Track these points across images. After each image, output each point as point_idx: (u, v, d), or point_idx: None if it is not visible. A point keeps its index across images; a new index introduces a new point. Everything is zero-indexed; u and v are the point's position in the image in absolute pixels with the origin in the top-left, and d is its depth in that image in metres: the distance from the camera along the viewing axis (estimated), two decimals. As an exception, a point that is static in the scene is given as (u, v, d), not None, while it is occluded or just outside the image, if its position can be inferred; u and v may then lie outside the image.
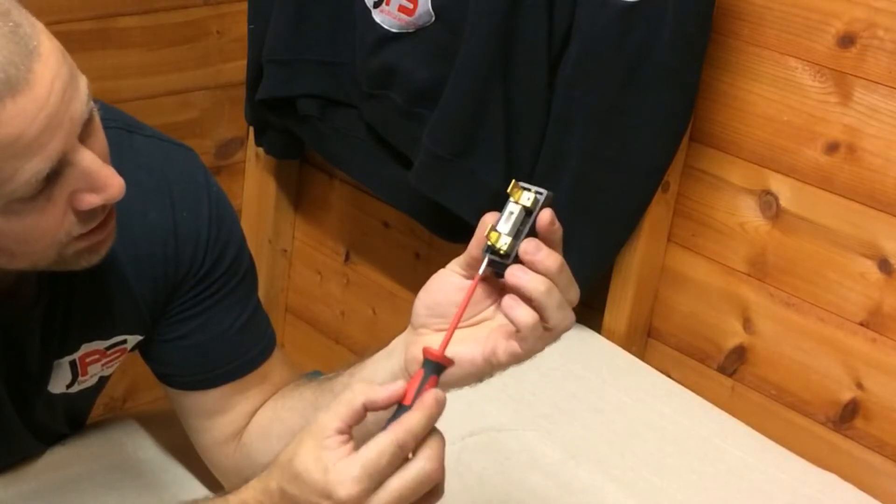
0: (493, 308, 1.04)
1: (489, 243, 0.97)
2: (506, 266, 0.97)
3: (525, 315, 0.98)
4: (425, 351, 0.97)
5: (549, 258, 0.97)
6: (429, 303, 1.05)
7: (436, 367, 0.96)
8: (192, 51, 2.13)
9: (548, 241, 0.98)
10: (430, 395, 0.94)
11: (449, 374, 1.01)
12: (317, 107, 1.96)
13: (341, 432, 0.94)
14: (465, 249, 1.03)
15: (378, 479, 0.92)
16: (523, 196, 0.97)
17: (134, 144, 1.19)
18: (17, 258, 1.03)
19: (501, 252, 0.97)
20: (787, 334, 1.69)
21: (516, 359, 1.02)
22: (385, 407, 0.95)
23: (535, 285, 0.97)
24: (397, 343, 1.10)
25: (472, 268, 1.02)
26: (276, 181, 2.29)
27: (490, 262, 0.98)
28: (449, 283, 1.03)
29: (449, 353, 0.98)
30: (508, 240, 0.97)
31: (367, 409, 0.95)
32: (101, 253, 1.07)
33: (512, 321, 0.98)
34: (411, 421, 0.93)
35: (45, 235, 1.00)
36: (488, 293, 1.03)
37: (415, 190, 1.82)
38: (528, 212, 0.97)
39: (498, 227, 0.97)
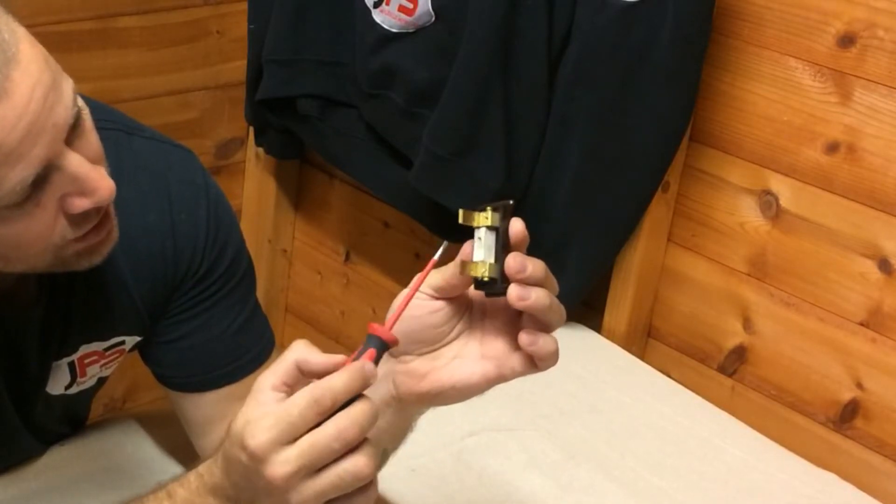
0: (459, 326, 1.01)
1: (473, 276, 0.95)
2: (498, 287, 0.94)
3: (549, 343, 0.96)
4: (370, 327, 0.95)
5: (536, 268, 0.95)
6: (404, 331, 1.00)
7: (378, 343, 0.95)
8: (192, 51, 2.13)
9: (520, 248, 0.97)
10: (361, 362, 0.93)
11: (448, 396, 1.01)
12: (317, 107, 1.96)
13: (276, 388, 0.93)
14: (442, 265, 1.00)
15: (289, 431, 0.90)
16: (481, 218, 0.96)
17: (133, 146, 1.19)
18: (12, 262, 1.03)
19: (486, 279, 0.95)
20: (787, 334, 1.69)
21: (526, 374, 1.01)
22: (319, 373, 0.93)
23: (541, 300, 0.94)
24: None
25: (447, 292, 0.99)
26: (276, 181, 2.30)
27: (481, 288, 0.96)
28: (420, 308, 1.00)
29: (450, 378, 0.99)
30: (489, 263, 0.95)
31: (300, 368, 0.93)
32: (102, 254, 1.06)
33: (537, 355, 0.97)
34: (332, 379, 0.91)
35: (38, 240, 1.00)
36: (455, 311, 1.01)
37: (415, 190, 1.82)
38: (493, 229, 0.96)
39: (475, 258, 0.95)
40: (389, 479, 1.26)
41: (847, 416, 1.64)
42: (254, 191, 2.31)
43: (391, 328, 0.95)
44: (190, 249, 1.21)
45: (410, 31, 1.77)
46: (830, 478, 1.54)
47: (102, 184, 1.00)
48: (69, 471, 1.39)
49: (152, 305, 1.22)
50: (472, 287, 0.97)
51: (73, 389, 1.25)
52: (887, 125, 1.55)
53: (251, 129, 2.20)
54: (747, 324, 1.73)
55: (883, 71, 1.54)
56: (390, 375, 1.03)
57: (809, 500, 1.49)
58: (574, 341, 1.76)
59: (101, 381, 1.31)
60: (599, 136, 1.70)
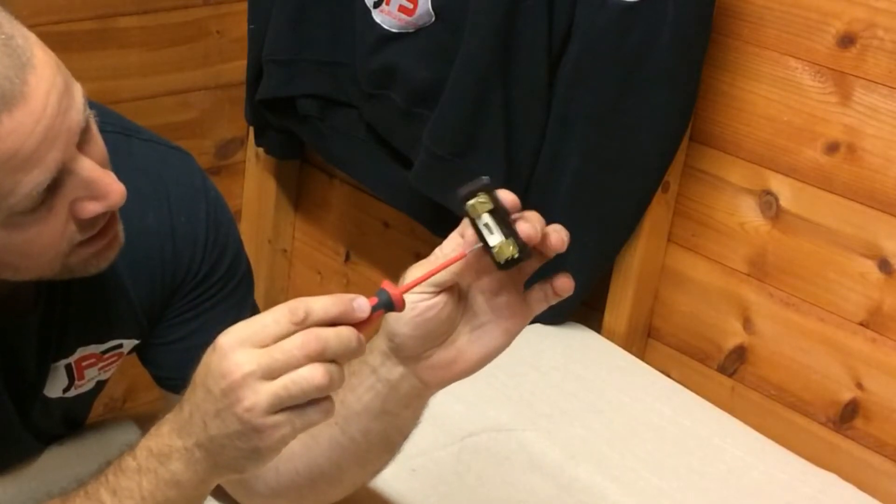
0: (461, 304, 1.02)
1: (506, 258, 0.96)
2: (523, 256, 0.95)
3: (571, 277, 0.99)
4: (384, 283, 0.96)
5: (540, 219, 0.97)
6: (420, 334, 1.01)
7: (385, 298, 0.95)
8: (192, 51, 2.13)
9: (516, 212, 0.98)
10: (351, 295, 0.93)
11: (480, 365, 1.02)
12: (317, 107, 1.96)
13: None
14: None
15: (259, 332, 0.91)
16: (478, 204, 0.96)
17: (131, 149, 1.19)
18: (21, 271, 1.03)
19: (516, 256, 0.96)
20: (787, 334, 1.69)
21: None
22: (325, 319, 0.92)
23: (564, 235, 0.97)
24: (391, 375, 1.05)
25: (448, 283, 1.00)
26: (276, 181, 2.29)
27: (507, 265, 0.97)
28: (431, 309, 1.00)
29: (480, 351, 1.01)
30: (511, 240, 0.96)
31: (305, 312, 0.92)
32: (108, 258, 1.07)
33: (568, 291, 0.99)
34: (313, 298, 0.92)
35: (49, 247, 1.00)
36: (454, 293, 1.02)
37: (415, 190, 1.82)
38: (492, 211, 0.96)
39: (494, 243, 0.95)
40: (389, 479, 1.27)
41: (847, 416, 1.64)
42: (254, 191, 2.31)
43: (402, 293, 0.96)
44: (189, 252, 1.21)
45: (410, 31, 1.77)
46: (830, 478, 1.54)
47: (114, 188, 1.00)
48: (69, 471, 1.39)
49: (150, 308, 1.22)
50: (498, 268, 0.97)
51: (71, 393, 1.25)
52: (887, 125, 1.55)
53: (251, 129, 2.20)
54: (747, 324, 1.73)
55: (883, 71, 1.54)
56: (407, 378, 1.04)
57: (809, 500, 1.49)
58: (574, 341, 1.76)
59: (100, 385, 1.31)
60: (599, 136, 1.70)
